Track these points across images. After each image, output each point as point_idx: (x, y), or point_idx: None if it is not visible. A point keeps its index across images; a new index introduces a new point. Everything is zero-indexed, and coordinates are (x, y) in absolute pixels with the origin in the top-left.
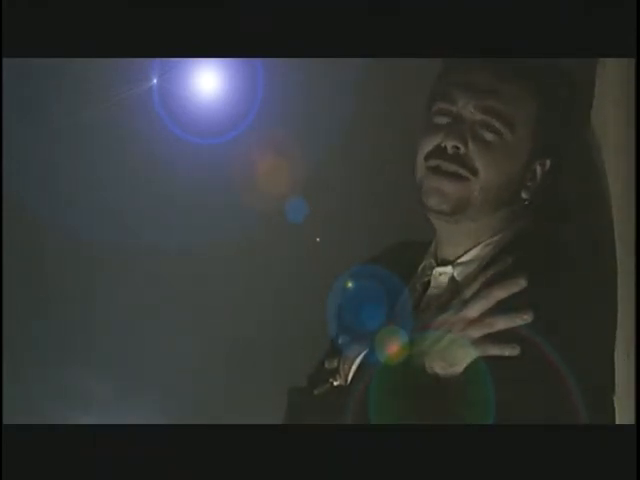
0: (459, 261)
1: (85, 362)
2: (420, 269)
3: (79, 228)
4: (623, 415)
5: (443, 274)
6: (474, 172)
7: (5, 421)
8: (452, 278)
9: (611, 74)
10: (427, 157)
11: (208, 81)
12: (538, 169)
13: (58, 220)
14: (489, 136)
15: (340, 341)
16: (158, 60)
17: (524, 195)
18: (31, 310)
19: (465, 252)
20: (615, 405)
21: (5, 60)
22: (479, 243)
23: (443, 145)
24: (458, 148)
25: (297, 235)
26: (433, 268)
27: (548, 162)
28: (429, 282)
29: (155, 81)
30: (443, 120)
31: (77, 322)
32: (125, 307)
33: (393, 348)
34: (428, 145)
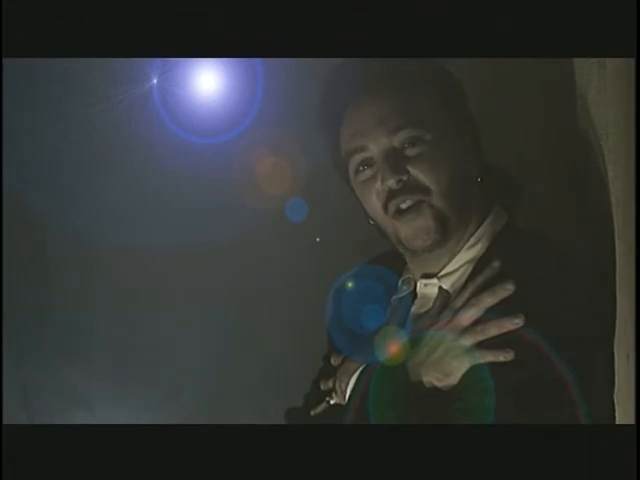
0: (443, 273)
1: (85, 362)
2: (401, 281)
3: (79, 228)
4: (623, 415)
5: (429, 285)
6: (426, 190)
7: (5, 421)
8: (440, 288)
9: (611, 74)
10: (385, 209)
11: (208, 81)
12: (471, 145)
13: (58, 220)
14: (416, 149)
15: (333, 361)
16: (158, 60)
17: (475, 173)
18: (32, 310)
19: (449, 262)
20: (615, 405)
21: (5, 60)
22: (461, 249)
23: (387, 187)
24: (401, 179)
25: (297, 235)
26: (416, 281)
27: (473, 135)
28: (414, 293)
29: (155, 81)
30: (367, 171)
31: (78, 322)
32: (125, 307)
33: (393, 348)
34: (374, 199)
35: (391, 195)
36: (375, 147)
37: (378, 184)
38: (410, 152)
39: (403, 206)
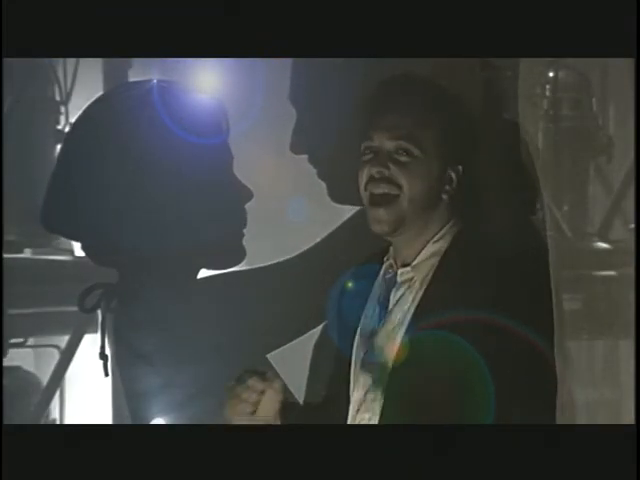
0: (416, 262)
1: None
2: (382, 271)
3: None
4: (623, 415)
5: (404, 273)
6: (399, 187)
7: (5, 421)
8: (412, 279)
9: (611, 74)
10: (365, 186)
11: (208, 81)
12: (453, 175)
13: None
14: (404, 158)
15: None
16: (158, 60)
17: (444, 197)
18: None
19: (418, 254)
20: (615, 405)
21: (5, 60)
22: (427, 242)
23: (371, 173)
24: (382, 172)
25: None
26: (395, 269)
27: (460, 168)
28: (392, 284)
29: (155, 81)
30: (368, 155)
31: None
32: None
33: (393, 349)
34: (363, 177)
35: (371, 180)
36: (378, 141)
37: (368, 167)
38: (398, 157)
39: (376, 191)
